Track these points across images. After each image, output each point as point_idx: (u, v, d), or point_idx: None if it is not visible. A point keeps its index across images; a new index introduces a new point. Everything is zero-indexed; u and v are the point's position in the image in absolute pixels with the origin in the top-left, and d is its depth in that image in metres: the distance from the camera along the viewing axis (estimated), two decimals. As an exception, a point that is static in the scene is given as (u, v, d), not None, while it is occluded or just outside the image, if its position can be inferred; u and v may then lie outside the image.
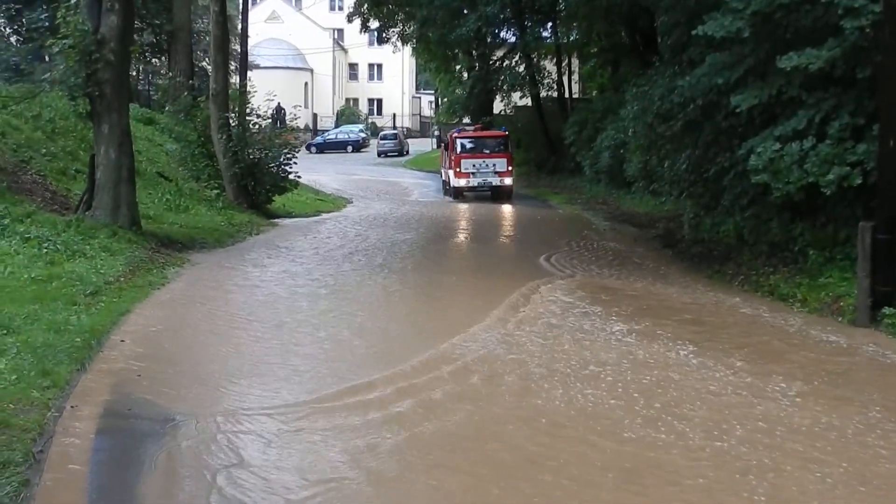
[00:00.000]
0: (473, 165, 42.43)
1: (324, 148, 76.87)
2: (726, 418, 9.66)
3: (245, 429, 9.28)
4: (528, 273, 19.09)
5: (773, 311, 15.42)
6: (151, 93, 39.84)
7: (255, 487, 7.80)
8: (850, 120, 16.03)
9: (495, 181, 42.48)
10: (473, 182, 42.72)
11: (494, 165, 42.35)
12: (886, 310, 13.45)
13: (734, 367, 11.73)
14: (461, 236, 28.02)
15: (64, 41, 22.45)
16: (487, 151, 43.38)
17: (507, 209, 35.77)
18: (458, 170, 42.88)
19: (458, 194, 43.73)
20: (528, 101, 55.61)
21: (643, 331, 13.96)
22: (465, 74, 60.41)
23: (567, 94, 53.46)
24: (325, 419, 9.75)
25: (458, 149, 43.74)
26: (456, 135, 46.31)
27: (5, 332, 11.75)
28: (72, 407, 9.69)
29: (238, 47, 41.41)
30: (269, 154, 34.03)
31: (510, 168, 43.18)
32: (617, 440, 9.04)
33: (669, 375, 11.39)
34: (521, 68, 54.58)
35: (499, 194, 42.61)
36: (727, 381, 11.09)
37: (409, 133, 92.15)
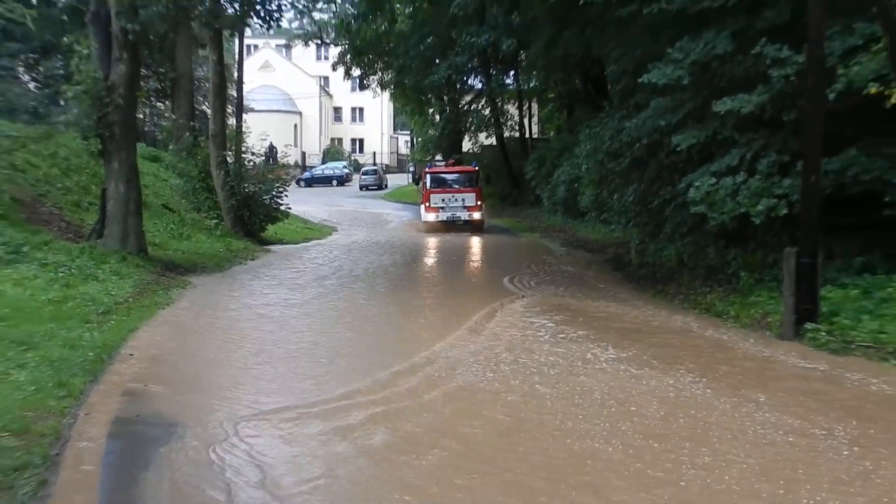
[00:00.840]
0: (443, 200, 40.17)
1: (311, 182, 76.56)
2: (632, 399, 9.80)
3: (240, 431, 9.26)
4: (495, 293, 19.13)
5: (708, 326, 15.49)
6: (156, 133, 39.81)
7: (247, 482, 7.84)
8: (777, 158, 16.14)
9: (464, 215, 39.95)
10: (443, 216, 40.08)
11: (463, 200, 40.00)
12: (808, 325, 13.54)
13: (668, 371, 11.85)
14: (434, 261, 27.99)
15: (77, 87, 22.54)
16: (457, 186, 40.96)
17: (474, 237, 35.59)
18: (427, 204, 40.83)
19: (429, 229, 40.63)
20: (493, 141, 55.61)
21: (589, 340, 14.06)
22: (437, 117, 60.47)
23: (528, 135, 53.68)
24: (314, 421, 9.76)
25: (429, 183, 41.75)
26: (427, 170, 44.90)
27: (25, 347, 11.72)
28: (85, 414, 9.69)
29: (234, 93, 41.38)
30: (263, 188, 34.18)
31: (479, 203, 40.46)
32: (557, 419, 9.11)
33: (604, 375, 11.51)
34: (487, 111, 54.79)
35: (469, 227, 39.72)
36: (652, 382, 11.22)
37: (388, 169, 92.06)
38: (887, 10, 13.52)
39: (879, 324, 13.15)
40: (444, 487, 7.85)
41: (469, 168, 45.01)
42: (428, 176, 42.53)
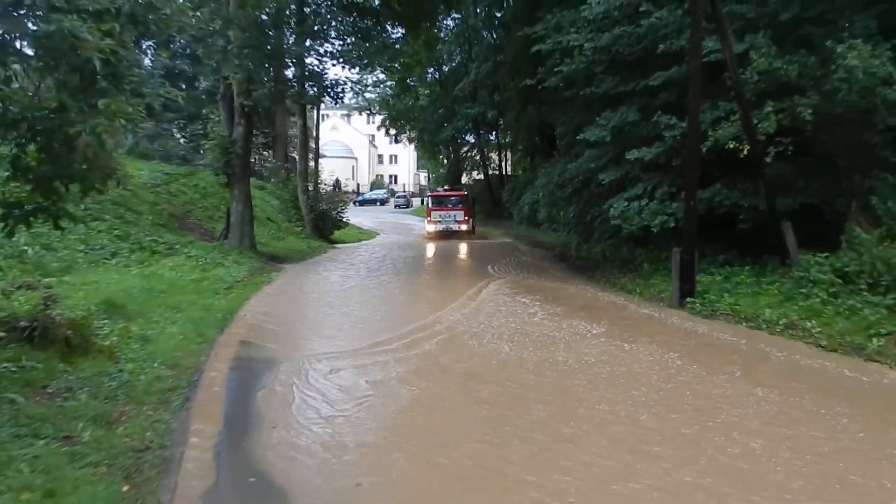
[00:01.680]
0: (440, 216, 37.29)
1: (363, 203, 74.88)
2: (569, 343, 9.73)
3: (313, 366, 9.21)
4: (481, 276, 19.02)
5: (621, 298, 15.40)
6: (263, 171, 39.78)
7: (319, 399, 7.79)
8: (668, 189, 16.05)
9: (454, 227, 36.86)
10: (440, 227, 36.94)
11: (455, 216, 37.10)
12: (688, 299, 13.46)
13: (594, 326, 11.77)
14: (439, 255, 27.74)
15: (212, 142, 22.80)
16: (450, 206, 37.74)
17: (467, 240, 34.50)
18: (429, 219, 38.13)
19: (430, 237, 36.96)
20: (481, 177, 55.50)
21: (542, 306, 13.97)
22: (445, 161, 60.83)
23: (504, 173, 53.58)
24: (359, 359, 9.70)
25: (430, 203, 39.31)
26: (429, 193, 43.80)
27: (176, 310, 11.69)
28: (215, 354, 9.70)
29: (313, 144, 41.40)
30: (331, 206, 34.40)
31: (467, 217, 37.52)
32: (518, 361, 9.06)
33: (552, 330, 11.40)
34: (478, 157, 54.72)
35: (460, 235, 36.44)
36: (584, 329, 11.13)
37: (413, 195, 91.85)
38: (741, 96, 13.44)
39: (735, 299, 13.07)
40: (453, 398, 7.80)
41: (460, 192, 42.06)
42: (430, 198, 40.64)
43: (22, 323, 7.65)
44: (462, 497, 5.38)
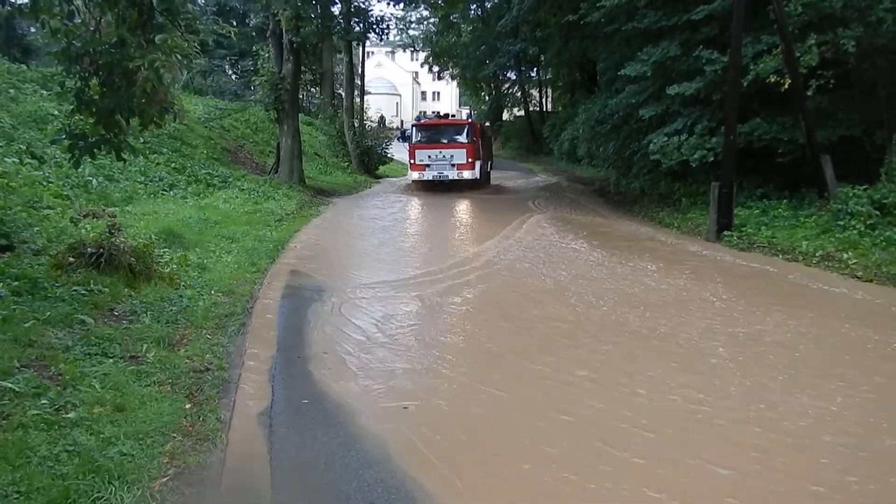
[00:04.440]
0: (430, 157, 24.45)
1: (406, 139, 74.67)
2: (618, 281, 9.64)
3: (361, 295, 9.29)
4: (523, 210, 18.89)
5: (659, 232, 15.23)
6: (311, 107, 39.69)
7: (368, 326, 7.83)
8: (708, 124, 15.70)
9: (452, 174, 24.30)
10: (428, 175, 24.47)
11: (452, 157, 24.30)
12: (725, 233, 13.28)
13: (634, 259, 11.65)
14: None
15: (262, 78, 22.71)
16: (445, 141, 24.78)
17: (506, 172, 33.49)
18: (412, 161, 24.93)
19: (415, 190, 25.24)
20: (522, 113, 54.70)
21: (583, 240, 13.79)
22: (487, 97, 59.91)
23: (545, 109, 52.73)
24: (404, 289, 9.74)
25: (414, 138, 25.26)
26: (413, 123, 27.39)
27: (231, 240, 11.83)
28: (267, 283, 9.78)
29: (359, 81, 41.05)
30: (377, 142, 33.87)
31: (472, 160, 24.36)
32: (563, 292, 9.01)
33: (593, 262, 11.29)
34: (519, 94, 53.75)
35: (459, 187, 24.60)
36: (623, 265, 11.01)
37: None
38: (784, 28, 12.98)
39: (772, 232, 12.89)
40: (500, 326, 7.81)
41: (461, 120, 29.67)
42: (414, 129, 25.93)
43: (89, 249, 7.80)
44: (507, 419, 5.40)
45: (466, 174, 24.40)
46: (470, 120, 28.27)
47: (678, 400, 5.73)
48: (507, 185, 27.49)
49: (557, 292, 9.57)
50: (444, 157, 24.41)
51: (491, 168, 29.62)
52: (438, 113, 29.14)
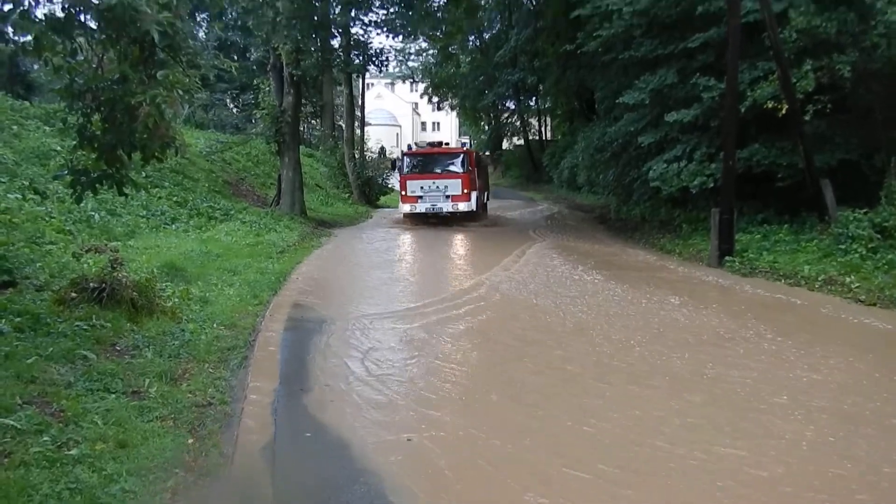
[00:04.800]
0: (422, 188, 22.96)
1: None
2: (611, 303, 9.61)
3: (364, 327, 9.26)
4: (523, 238, 18.92)
5: (661, 258, 15.28)
6: (311, 139, 39.90)
7: (369, 358, 7.79)
8: (707, 150, 15.81)
9: (447, 207, 22.82)
10: (420, 208, 23.03)
11: (446, 188, 22.82)
12: (727, 258, 13.28)
13: (627, 283, 11.69)
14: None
15: (263, 111, 22.92)
16: (438, 171, 23.37)
17: (508, 201, 33.60)
18: (403, 193, 23.44)
19: (408, 223, 23.55)
20: (521, 142, 54.94)
21: (584, 267, 13.83)
22: (486, 127, 60.36)
23: (544, 138, 52.98)
24: (404, 319, 9.72)
25: (406, 167, 23.76)
26: (405, 151, 25.37)
27: (233, 273, 11.82)
28: (270, 315, 9.75)
29: (359, 112, 41.36)
30: (377, 173, 34.14)
31: (467, 190, 22.86)
32: (564, 313, 8.99)
33: (592, 286, 11.30)
34: (518, 123, 54.06)
35: (457, 221, 23.03)
36: (622, 291, 11.00)
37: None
38: (779, 55, 13.09)
39: (774, 256, 12.92)
40: (502, 358, 7.77)
41: (454, 149, 26.66)
42: (406, 159, 24.19)
43: (91, 284, 7.79)
44: (511, 452, 5.35)
45: (462, 206, 22.87)
46: (465, 148, 26.32)
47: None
48: (508, 216, 27.33)
49: (557, 321, 9.57)
50: (437, 187, 22.95)
51: (488, 199, 28.49)
52: (431, 142, 26.97)
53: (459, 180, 22.90)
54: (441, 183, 22.96)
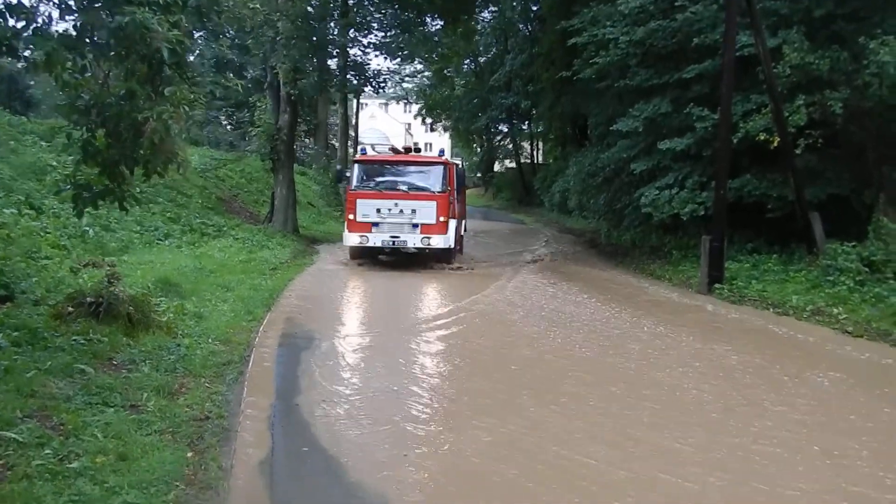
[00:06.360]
0: (377, 211, 16.42)
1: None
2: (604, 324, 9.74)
3: (351, 343, 9.41)
4: (515, 260, 19.04)
5: (651, 284, 15.40)
6: (305, 158, 39.98)
7: (364, 374, 7.89)
8: (699, 178, 15.99)
9: (413, 241, 16.41)
10: (375, 240, 16.48)
11: (414, 213, 16.34)
12: (717, 285, 13.43)
13: (616, 306, 11.96)
14: (474, 241, 27.77)
15: (258, 129, 23.04)
16: (404, 189, 16.80)
17: (502, 224, 33.69)
18: (351, 216, 16.72)
19: (354, 255, 17.22)
20: (513, 165, 55.23)
21: (574, 290, 14.04)
22: (479, 149, 60.78)
23: (536, 161, 53.28)
24: (395, 338, 9.79)
25: (356, 180, 17.01)
26: (356, 158, 18.95)
27: (226, 289, 11.87)
28: (263, 331, 9.82)
29: (353, 132, 41.58)
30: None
31: (443, 218, 16.45)
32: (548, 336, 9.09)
33: (582, 310, 11.41)
34: (510, 146, 54.35)
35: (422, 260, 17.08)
36: (609, 314, 11.14)
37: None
38: (773, 89, 13.33)
39: (763, 285, 13.06)
40: (495, 375, 7.87)
41: (428, 157, 19.97)
42: (356, 167, 17.39)
43: (88, 299, 7.85)
44: (505, 468, 5.42)
45: (436, 241, 16.43)
46: (443, 157, 18.36)
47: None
48: (504, 233, 27.37)
49: (544, 342, 9.67)
50: (402, 211, 16.42)
51: (465, 230, 21.37)
52: (397, 148, 20.21)
53: (434, 203, 16.45)
54: (407, 205, 16.50)
